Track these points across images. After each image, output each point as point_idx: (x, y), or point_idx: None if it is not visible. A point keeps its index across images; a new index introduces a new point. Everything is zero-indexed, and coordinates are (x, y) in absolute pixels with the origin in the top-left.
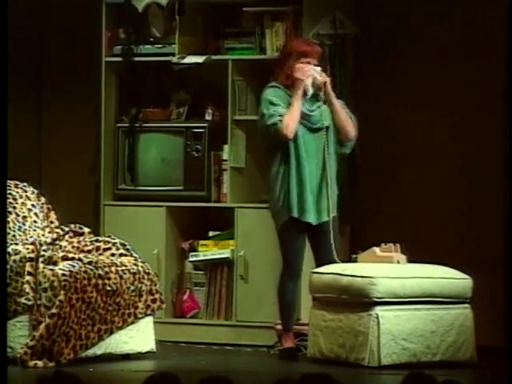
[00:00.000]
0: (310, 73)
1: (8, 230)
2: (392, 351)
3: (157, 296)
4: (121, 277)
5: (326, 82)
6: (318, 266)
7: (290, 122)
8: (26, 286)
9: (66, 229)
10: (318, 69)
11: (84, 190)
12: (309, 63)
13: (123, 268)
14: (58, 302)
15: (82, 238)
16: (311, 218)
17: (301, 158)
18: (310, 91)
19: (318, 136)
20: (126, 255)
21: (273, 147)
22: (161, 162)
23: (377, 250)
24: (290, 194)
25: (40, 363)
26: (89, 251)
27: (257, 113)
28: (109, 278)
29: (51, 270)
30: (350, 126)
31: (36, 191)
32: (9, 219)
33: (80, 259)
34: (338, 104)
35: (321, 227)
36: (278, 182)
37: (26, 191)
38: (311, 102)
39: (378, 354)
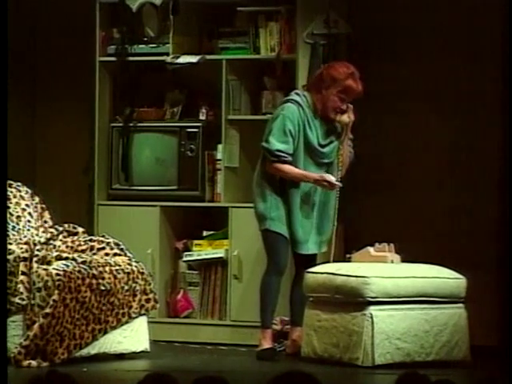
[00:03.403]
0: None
1: None
2: (386, 351)
3: (151, 296)
4: (115, 276)
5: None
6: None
7: (286, 175)
8: (19, 285)
9: (60, 228)
10: (351, 107)
11: (78, 189)
12: (344, 100)
13: (117, 268)
14: (51, 302)
15: (75, 238)
16: (300, 247)
17: (297, 187)
18: None
19: (321, 169)
20: (120, 255)
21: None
22: (155, 161)
23: (371, 249)
24: (278, 218)
25: (34, 363)
26: (83, 251)
27: (250, 112)
28: (103, 278)
29: (45, 269)
30: (345, 165)
31: (30, 191)
32: None
33: (74, 259)
34: (346, 144)
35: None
36: (268, 199)
37: (19, 191)
38: (326, 136)
39: (372, 353)
